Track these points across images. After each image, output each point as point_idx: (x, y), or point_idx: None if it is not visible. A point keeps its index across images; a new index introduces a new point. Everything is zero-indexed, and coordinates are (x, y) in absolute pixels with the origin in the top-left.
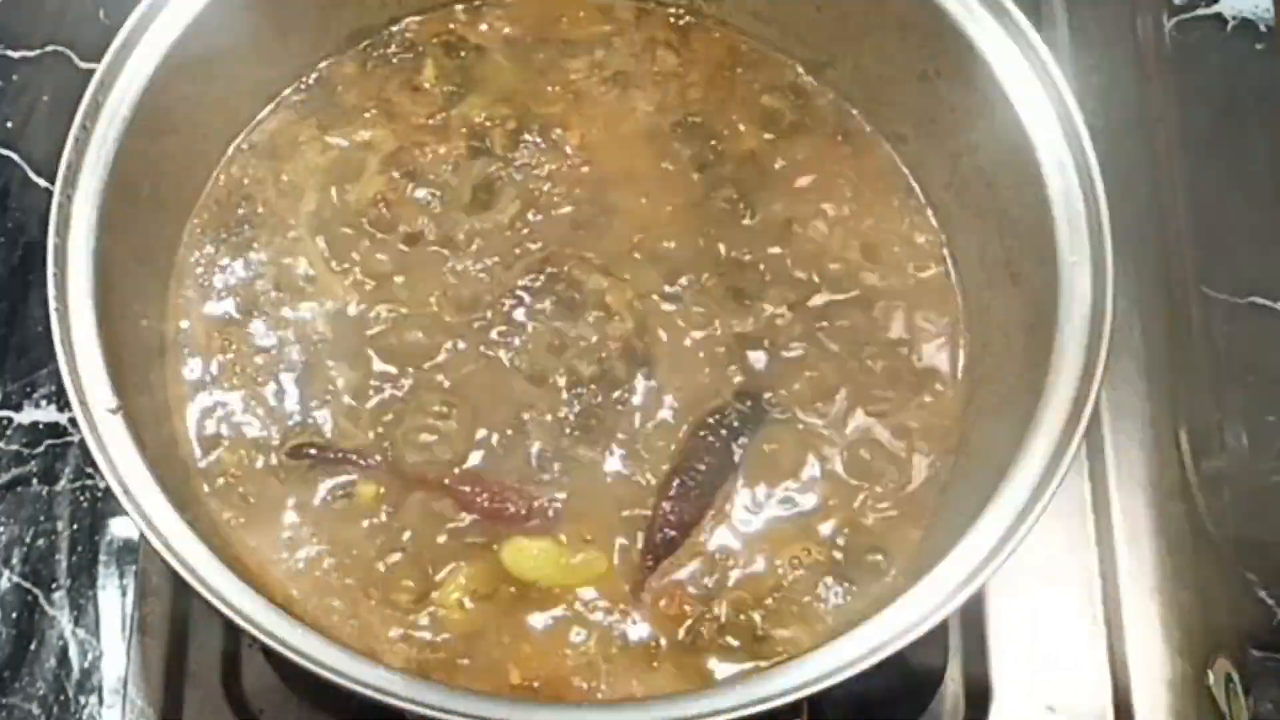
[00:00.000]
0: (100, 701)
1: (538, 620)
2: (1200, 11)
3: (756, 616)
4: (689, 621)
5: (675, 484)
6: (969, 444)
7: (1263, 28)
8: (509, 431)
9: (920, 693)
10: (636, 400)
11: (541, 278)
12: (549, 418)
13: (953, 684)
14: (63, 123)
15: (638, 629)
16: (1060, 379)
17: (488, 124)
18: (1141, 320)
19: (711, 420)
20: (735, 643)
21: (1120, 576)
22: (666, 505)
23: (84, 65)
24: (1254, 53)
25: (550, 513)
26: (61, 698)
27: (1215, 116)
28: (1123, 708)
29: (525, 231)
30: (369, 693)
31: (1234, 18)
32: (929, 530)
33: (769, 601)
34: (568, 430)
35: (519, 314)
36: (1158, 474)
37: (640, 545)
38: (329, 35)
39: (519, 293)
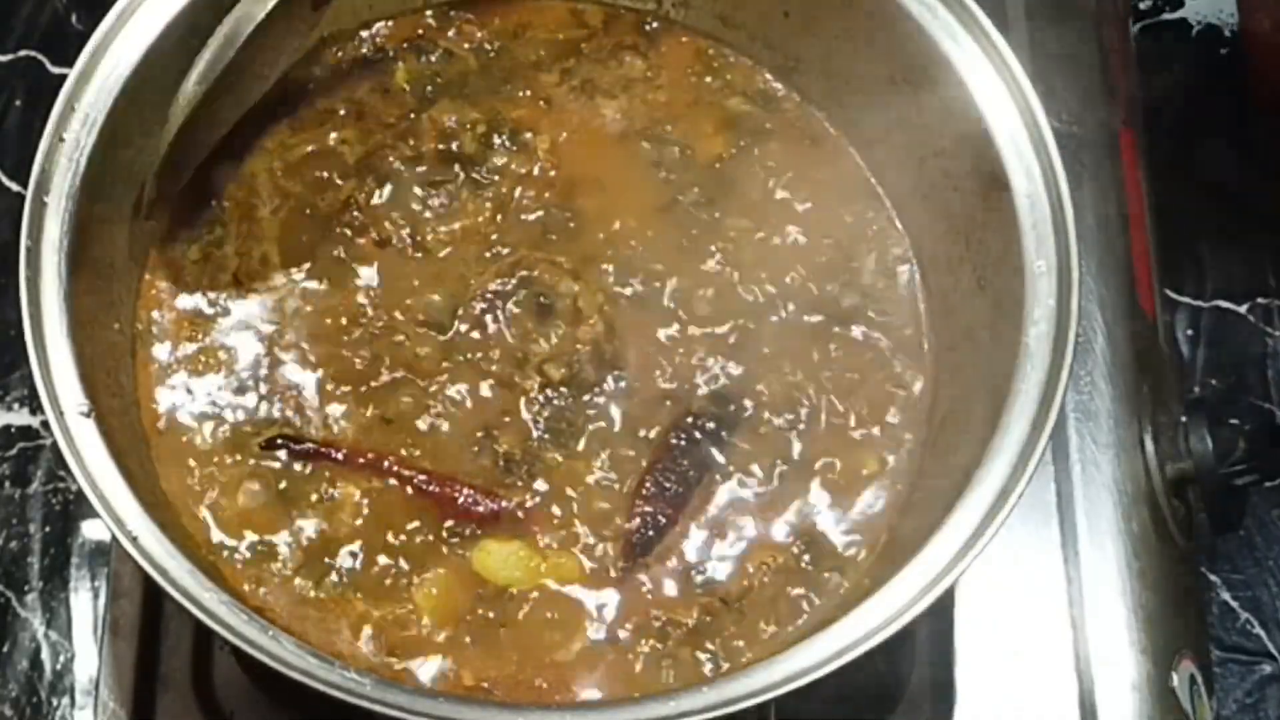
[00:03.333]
0: (73, 703)
1: (509, 623)
2: (1165, 16)
3: (726, 620)
4: (658, 624)
5: (648, 487)
6: (935, 447)
7: (1227, 33)
8: (479, 434)
9: (886, 696)
10: (607, 403)
11: (512, 281)
12: (519, 421)
13: (918, 686)
14: (35, 127)
15: (607, 631)
16: (1025, 383)
17: (458, 128)
18: (1106, 324)
19: (684, 423)
20: (704, 646)
21: (1085, 579)
22: (639, 508)
23: (56, 70)
24: (1219, 57)
25: (521, 516)
26: (34, 699)
27: (1180, 121)
28: (1087, 709)
29: (495, 236)
30: (338, 694)
31: (1199, 22)
32: (895, 534)
33: (738, 605)
34: (538, 433)
35: (489, 317)
36: (1123, 477)
37: (611, 548)
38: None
39: (489, 296)
